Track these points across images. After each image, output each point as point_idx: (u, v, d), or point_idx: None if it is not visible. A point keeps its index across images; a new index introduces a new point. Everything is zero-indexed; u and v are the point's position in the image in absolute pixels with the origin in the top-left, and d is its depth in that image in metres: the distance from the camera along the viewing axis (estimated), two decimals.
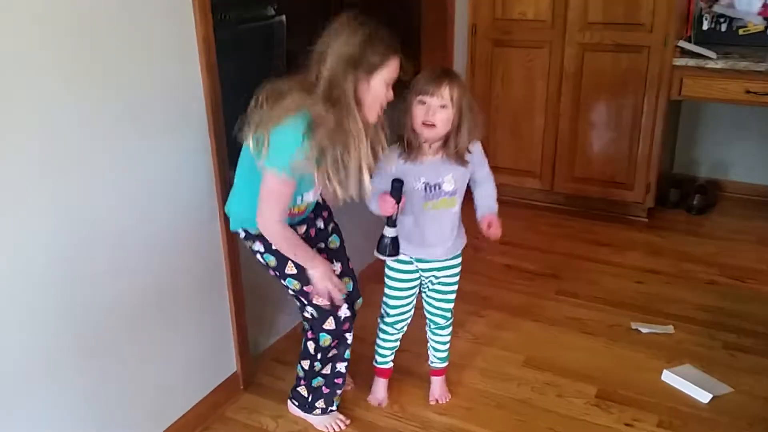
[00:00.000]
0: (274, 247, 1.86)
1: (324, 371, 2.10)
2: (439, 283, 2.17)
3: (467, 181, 2.05)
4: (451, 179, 1.98)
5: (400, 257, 2.03)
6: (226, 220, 2.01)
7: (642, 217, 3.64)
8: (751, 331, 2.63)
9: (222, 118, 1.98)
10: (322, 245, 2.06)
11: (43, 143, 1.50)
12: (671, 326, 2.67)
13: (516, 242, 3.38)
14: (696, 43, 3.38)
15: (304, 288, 1.92)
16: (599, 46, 3.38)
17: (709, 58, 3.20)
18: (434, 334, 2.29)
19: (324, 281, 1.89)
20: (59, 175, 1.56)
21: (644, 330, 2.65)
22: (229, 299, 2.20)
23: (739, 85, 3.18)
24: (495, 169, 3.78)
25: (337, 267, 2.06)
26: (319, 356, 2.07)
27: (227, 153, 2.02)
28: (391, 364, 2.31)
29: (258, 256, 1.93)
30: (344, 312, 2.00)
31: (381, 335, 2.26)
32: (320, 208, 2.07)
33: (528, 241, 3.43)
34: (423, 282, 2.17)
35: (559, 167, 3.69)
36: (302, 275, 1.90)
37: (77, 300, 1.66)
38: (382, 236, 1.94)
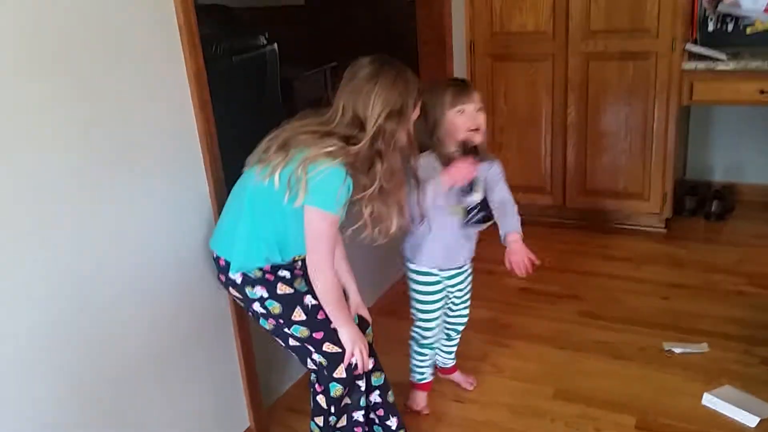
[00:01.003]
0: (280, 292, 1.74)
1: (340, 424, 1.93)
2: (458, 290, 2.22)
3: None
4: (481, 183, 1.99)
5: (429, 270, 2.10)
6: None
7: (660, 227, 3.51)
8: None
9: (218, 155, 1.85)
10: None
11: (30, 198, 1.38)
12: (705, 344, 2.52)
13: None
14: (703, 45, 3.27)
15: (314, 334, 1.78)
16: (604, 55, 3.27)
17: (719, 60, 3.08)
18: (450, 339, 2.36)
19: (356, 342, 1.80)
20: (51, 231, 1.43)
21: (678, 350, 2.50)
22: (237, 347, 2.05)
23: (752, 85, 3.07)
24: None
25: None
26: (332, 409, 1.89)
27: (226, 192, 1.89)
28: (431, 378, 2.32)
29: (256, 304, 1.77)
30: (330, 348, 1.83)
31: (418, 357, 2.27)
32: None
33: (543, 261, 3.27)
34: (447, 293, 2.20)
35: (570, 182, 3.57)
36: (312, 320, 1.77)
37: (74, 361, 1.52)
38: (473, 207, 1.92)
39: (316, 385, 1.91)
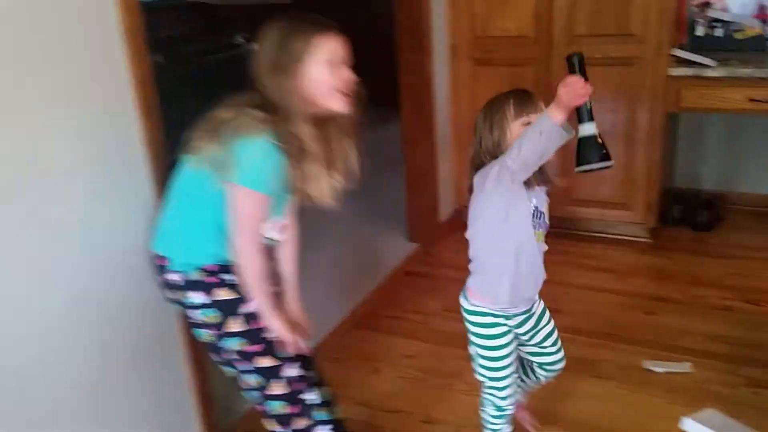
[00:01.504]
0: (219, 298, 1.61)
1: None
2: (534, 334, 1.88)
3: None
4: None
5: (490, 320, 1.79)
6: None
7: (645, 237, 3.40)
8: None
9: (164, 162, 1.74)
10: None
11: None
12: (688, 363, 2.42)
13: None
14: (692, 51, 3.17)
15: (252, 347, 1.64)
16: (588, 60, 3.13)
17: (708, 66, 2.98)
18: (534, 384, 2.06)
19: (287, 330, 1.66)
20: None
21: (659, 370, 2.40)
22: (187, 367, 1.93)
23: (741, 93, 2.96)
24: None
25: None
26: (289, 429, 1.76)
27: None
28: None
29: (194, 312, 1.64)
30: (292, 371, 1.71)
31: (497, 422, 1.93)
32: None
33: None
34: (523, 344, 1.90)
35: (553, 190, 3.44)
36: (251, 332, 1.64)
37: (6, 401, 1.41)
38: (581, 142, 1.51)
39: (258, 406, 1.76)
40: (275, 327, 1.65)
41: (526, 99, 1.70)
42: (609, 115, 3.20)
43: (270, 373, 1.68)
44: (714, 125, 3.66)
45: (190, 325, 1.71)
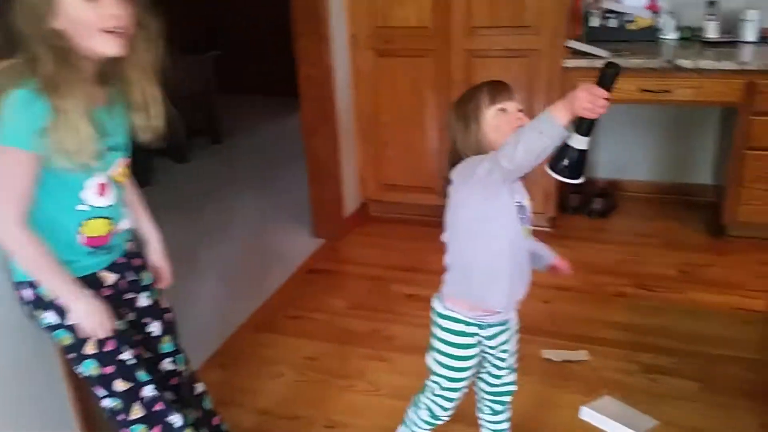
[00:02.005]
0: (70, 322, 1.44)
1: None
2: (501, 350, 1.75)
3: None
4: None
5: (461, 327, 1.65)
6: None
7: (545, 226, 3.46)
8: (668, 349, 2.46)
9: None
10: (133, 298, 1.64)
11: None
12: (585, 351, 2.46)
13: (417, 267, 3.11)
14: (586, 42, 3.23)
15: (104, 369, 1.50)
16: (487, 52, 3.17)
17: (601, 57, 3.04)
18: (496, 414, 1.89)
19: (92, 316, 1.44)
20: None
21: (557, 358, 2.43)
22: (68, 385, 1.79)
23: (634, 83, 3.04)
24: (391, 187, 3.62)
25: (156, 327, 1.67)
26: None
27: None
28: None
29: (48, 333, 1.48)
30: (149, 392, 1.56)
31: (423, 427, 1.84)
32: (131, 254, 1.65)
33: (430, 265, 3.14)
34: (483, 361, 1.77)
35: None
36: (104, 354, 1.49)
37: None
38: (567, 148, 1.38)
39: None
40: (76, 310, 1.43)
41: (500, 87, 1.59)
42: None
43: (128, 396, 1.54)
44: (606, 116, 3.73)
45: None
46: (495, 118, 1.56)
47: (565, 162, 1.39)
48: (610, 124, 3.76)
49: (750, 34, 3.21)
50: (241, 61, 6.11)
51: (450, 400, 1.76)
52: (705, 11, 3.23)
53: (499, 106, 1.56)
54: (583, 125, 1.37)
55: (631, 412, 2.15)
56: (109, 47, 1.33)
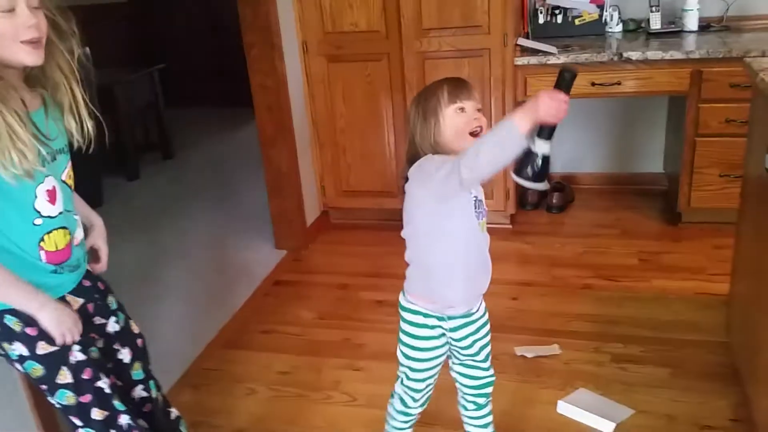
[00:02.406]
0: (41, 351, 1.40)
1: None
2: (470, 343, 1.73)
3: None
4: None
5: (421, 320, 1.67)
6: None
7: (505, 224, 3.49)
8: (636, 337, 2.51)
9: None
10: (103, 323, 1.59)
11: None
12: (556, 345, 2.49)
13: (383, 272, 3.09)
14: (534, 39, 3.27)
15: (80, 399, 1.46)
16: (438, 53, 3.18)
17: (551, 54, 3.08)
18: (480, 408, 1.87)
19: (62, 323, 1.40)
20: None
21: (530, 355, 2.45)
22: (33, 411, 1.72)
23: (584, 78, 3.09)
24: (351, 193, 3.59)
25: (126, 354, 1.63)
26: None
27: None
28: None
29: (17, 365, 1.43)
30: (125, 420, 1.52)
31: (400, 419, 1.85)
32: (94, 277, 1.61)
33: (396, 269, 3.11)
34: (453, 354, 1.78)
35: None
36: (80, 383, 1.45)
37: None
38: (530, 154, 1.41)
39: None
40: (43, 318, 1.39)
41: (460, 85, 1.60)
42: None
43: (104, 425, 1.50)
44: None
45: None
46: (453, 117, 1.56)
47: (531, 168, 1.42)
48: (562, 120, 3.81)
49: (692, 23, 3.29)
50: (186, 74, 6.00)
51: (417, 390, 1.78)
52: (649, 3, 3.30)
53: (458, 105, 1.57)
54: (545, 130, 1.40)
55: (607, 402, 2.18)
56: (29, 58, 1.32)
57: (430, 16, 3.11)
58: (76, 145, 1.47)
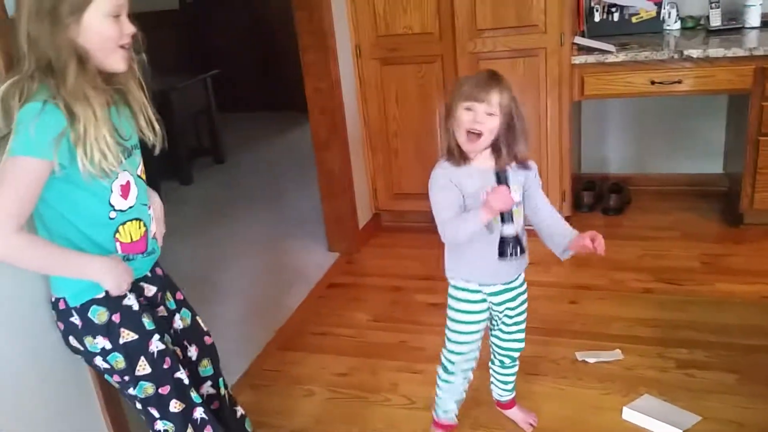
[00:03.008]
0: (123, 340, 1.44)
1: None
2: (507, 313, 1.95)
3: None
4: (519, 187, 1.80)
5: (467, 286, 1.89)
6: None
7: None
8: (701, 342, 2.44)
9: None
10: (171, 320, 1.63)
11: None
12: (618, 350, 2.43)
13: (436, 275, 3.05)
14: (591, 37, 3.22)
15: (160, 390, 1.50)
16: (493, 54, 3.15)
17: (609, 52, 3.03)
18: (504, 367, 2.08)
19: (112, 271, 1.40)
20: None
21: (591, 360, 2.40)
22: (107, 420, 1.76)
23: (643, 76, 3.04)
24: (402, 195, 3.59)
25: (193, 351, 1.66)
26: None
27: None
28: (455, 420, 2.09)
29: (98, 359, 1.46)
30: (201, 414, 1.56)
31: (442, 387, 2.03)
32: (165, 274, 1.65)
33: None
34: (493, 318, 1.98)
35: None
36: (160, 373, 1.49)
37: None
38: (504, 239, 1.75)
39: None
40: (95, 274, 1.40)
41: (481, 84, 1.68)
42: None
43: (182, 419, 1.54)
44: (614, 109, 3.74)
45: (98, 371, 1.54)
46: (460, 116, 1.69)
47: (505, 248, 1.76)
48: (619, 118, 3.75)
49: (754, 19, 3.20)
50: (234, 79, 6.08)
51: (459, 354, 1.96)
52: (708, 0, 3.21)
53: (466, 104, 1.67)
54: (504, 216, 1.73)
55: (673, 409, 2.12)
56: (123, 63, 1.38)
57: (485, 16, 3.09)
58: (150, 142, 1.51)
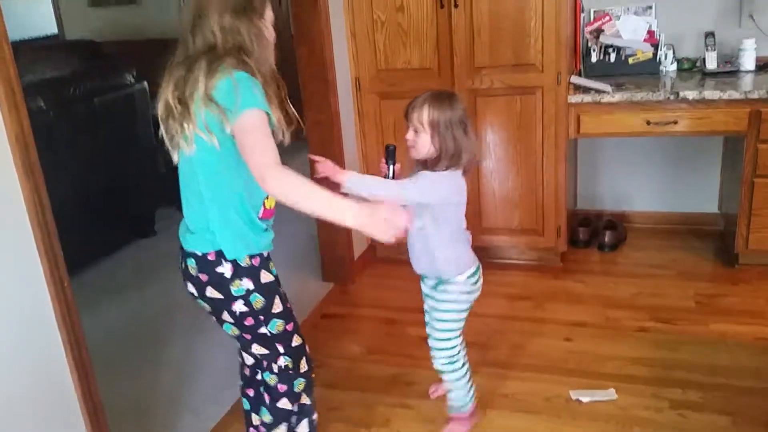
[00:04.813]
0: (264, 281, 1.69)
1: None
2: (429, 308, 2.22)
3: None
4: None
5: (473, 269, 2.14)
6: (72, 336, 1.57)
7: (556, 262, 3.44)
8: (694, 383, 2.43)
9: (54, 229, 1.56)
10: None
11: None
12: (613, 390, 2.42)
13: None
14: (587, 77, 3.26)
15: (287, 327, 1.77)
16: (490, 90, 3.19)
17: (605, 92, 3.06)
18: None
19: (380, 219, 1.53)
20: None
21: (585, 399, 2.39)
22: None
23: (639, 116, 3.07)
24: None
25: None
26: (296, 408, 1.87)
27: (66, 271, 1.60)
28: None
29: (238, 303, 1.68)
30: (306, 349, 1.88)
31: (465, 376, 2.21)
32: None
33: None
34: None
35: None
36: (288, 312, 1.78)
37: None
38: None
39: (279, 386, 1.83)
40: (357, 219, 1.53)
41: (412, 104, 2.00)
42: (515, 143, 3.23)
43: (298, 353, 1.81)
44: (610, 146, 3.77)
45: (224, 319, 1.73)
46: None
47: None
48: (613, 156, 3.78)
49: (749, 63, 3.24)
50: None
51: (459, 336, 2.20)
52: (704, 42, 3.26)
53: (408, 118, 1.99)
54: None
55: None
56: (273, 61, 1.70)
57: (483, 54, 3.13)
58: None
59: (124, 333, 3.04)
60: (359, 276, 3.49)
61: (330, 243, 3.39)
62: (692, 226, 3.72)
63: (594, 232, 3.66)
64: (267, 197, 1.68)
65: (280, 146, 1.56)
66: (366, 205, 1.54)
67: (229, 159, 1.57)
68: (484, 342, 2.79)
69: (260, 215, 1.69)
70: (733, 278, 3.18)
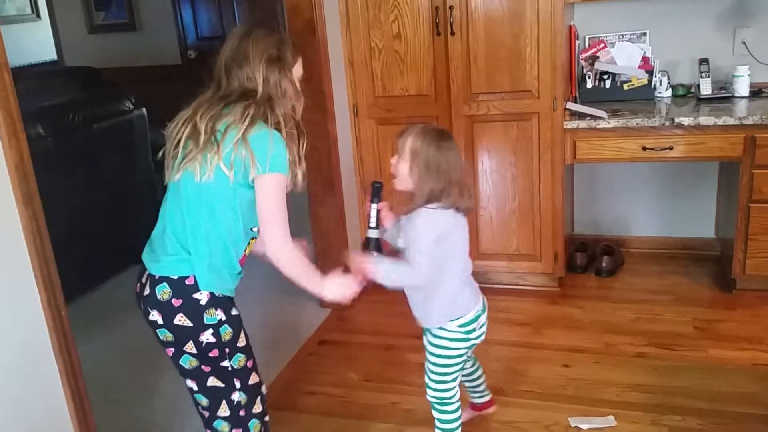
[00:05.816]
0: (233, 313, 1.73)
1: None
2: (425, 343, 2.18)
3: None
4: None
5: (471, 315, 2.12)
6: (68, 365, 1.56)
7: (554, 287, 3.44)
8: (694, 409, 2.41)
9: (52, 256, 1.56)
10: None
11: None
12: (611, 416, 2.41)
13: None
14: (583, 103, 3.29)
15: (248, 363, 1.77)
16: (487, 117, 3.21)
17: (601, 118, 3.09)
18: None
19: (347, 289, 1.91)
20: None
21: (585, 426, 2.37)
22: None
23: (635, 142, 3.09)
24: (395, 253, 3.58)
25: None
26: None
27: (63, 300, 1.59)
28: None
29: (206, 333, 1.66)
30: (263, 390, 1.87)
31: (456, 415, 2.18)
32: None
33: None
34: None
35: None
36: (249, 348, 1.79)
37: None
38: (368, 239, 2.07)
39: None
40: (333, 294, 1.86)
41: (401, 133, 1.98)
42: (511, 169, 3.25)
43: (254, 391, 1.79)
44: (607, 171, 3.79)
45: (186, 351, 1.69)
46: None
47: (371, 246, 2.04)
48: (610, 181, 3.79)
49: (743, 89, 3.27)
50: None
51: (455, 379, 2.18)
52: (698, 69, 3.29)
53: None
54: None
55: None
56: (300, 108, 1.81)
57: (480, 81, 3.16)
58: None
59: (119, 361, 3.02)
60: (357, 302, 3.46)
61: (327, 269, 3.37)
62: (689, 251, 3.73)
63: (591, 258, 3.66)
64: (249, 243, 1.74)
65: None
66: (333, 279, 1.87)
67: (236, 200, 1.64)
68: (482, 368, 2.77)
69: (239, 260, 1.74)
70: (731, 303, 3.18)
